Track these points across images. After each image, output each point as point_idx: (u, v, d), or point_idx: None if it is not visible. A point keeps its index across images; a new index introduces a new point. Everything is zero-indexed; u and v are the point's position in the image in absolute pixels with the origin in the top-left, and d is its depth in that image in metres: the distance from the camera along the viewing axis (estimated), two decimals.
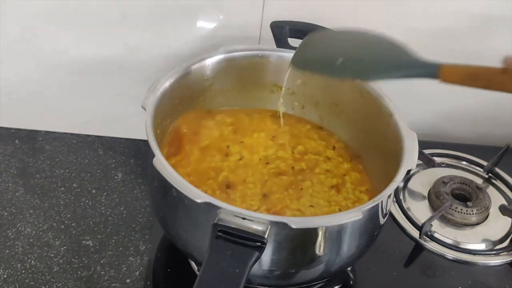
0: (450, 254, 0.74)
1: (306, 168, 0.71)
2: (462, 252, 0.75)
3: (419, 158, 0.71)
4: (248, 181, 0.68)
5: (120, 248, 0.73)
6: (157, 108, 0.63)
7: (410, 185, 0.83)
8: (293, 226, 0.53)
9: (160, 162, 0.57)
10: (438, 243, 0.75)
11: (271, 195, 0.67)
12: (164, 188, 0.59)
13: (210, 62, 0.72)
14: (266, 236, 0.52)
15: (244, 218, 0.53)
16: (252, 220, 0.53)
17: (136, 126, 0.80)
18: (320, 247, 0.58)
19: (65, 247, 0.72)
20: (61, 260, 0.71)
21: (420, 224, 0.76)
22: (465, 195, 0.81)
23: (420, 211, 0.79)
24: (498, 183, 0.85)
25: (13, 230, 0.74)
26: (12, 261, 0.70)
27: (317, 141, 0.76)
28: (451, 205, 0.78)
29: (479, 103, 0.90)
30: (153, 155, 0.57)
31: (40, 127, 0.88)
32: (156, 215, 0.68)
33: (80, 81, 0.83)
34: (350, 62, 0.61)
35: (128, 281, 0.70)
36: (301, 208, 0.66)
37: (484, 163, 0.87)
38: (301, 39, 0.75)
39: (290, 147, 0.74)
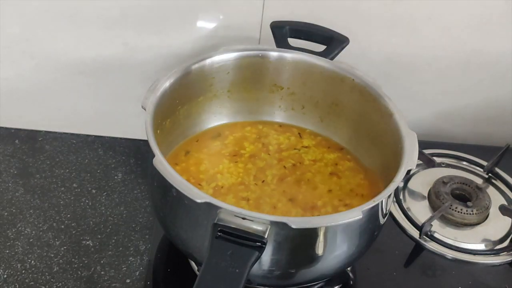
0: (450, 254, 0.74)
1: (296, 163, 0.72)
2: (462, 252, 0.75)
3: (419, 158, 0.71)
4: (265, 196, 0.68)
5: (120, 248, 0.73)
6: (157, 108, 0.63)
7: (410, 185, 0.83)
8: (293, 226, 0.53)
9: (160, 162, 0.57)
10: (438, 243, 0.75)
11: (297, 198, 0.67)
12: (164, 188, 0.59)
13: (210, 62, 0.72)
14: (266, 236, 0.52)
15: (244, 218, 0.53)
16: (252, 220, 0.53)
17: (136, 126, 0.80)
18: (320, 247, 0.58)
19: (65, 247, 0.72)
20: (61, 260, 0.71)
21: (420, 224, 0.76)
22: (465, 195, 0.81)
23: (420, 211, 0.79)
24: (498, 183, 0.85)
25: (13, 230, 0.74)
26: (12, 261, 0.70)
27: (280, 135, 0.76)
28: (451, 205, 0.78)
29: (479, 103, 0.90)
30: (153, 155, 0.57)
31: (40, 127, 0.88)
32: (156, 215, 0.68)
33: (80, 81, 0.83)
34: None
35: (128, 281, 0.70)
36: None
37: (484, 163, 0.87)
38: (301, 39, 0.75)
39: (263, 152, 0.73)
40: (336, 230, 0.58)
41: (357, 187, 0.70)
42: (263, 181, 0.69)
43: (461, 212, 0.77)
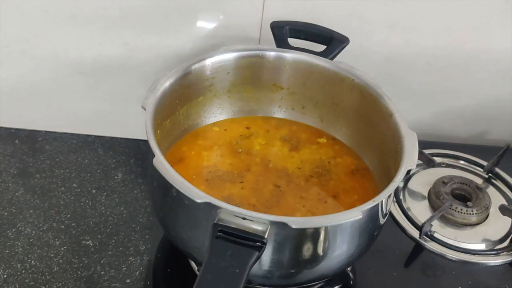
0: (450, 254, 0.74)
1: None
2: (462, 252, 0.75)
3: (419, 158, 0.71)
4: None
5: (120, 248, 0.73)
6: (157, 108, 0.63)
7: (410, 185, 0.83)
8: (293, 226, 0.53)
9: (160, 162, 0.57)
10: (438, 243, 0.75)
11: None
12: (164, 188, 0.59)
13: (210, 62, 0.72)
14: (266, 236, 0.52)
15: (244, 218, 0.53)
16: (252, 220, 0.53)
17: (136, 126, 0.80)
18: (320, 247, 0.58)
19: (65, 247, 0.73)
20: (61, 260, 0.71)
21: (420, 224, 0.76)
22: (465, 195, 0.81)
23: (420, 211, 0.79)
24: (498, 183, 0.85)
25: (13, 230, 0.74)
26: (12, 261, 0.70)
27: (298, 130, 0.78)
28: (451, 205, 0.78)
29: (478, 103, 0.90)
30: (153, 155, 0.57)
31: (40, 127, 0.88)
32: (156, 215, 0.68)
33: (80, 81, 0.83)
34: None
35: (128, 281, 0.70)
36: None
37: (484, 163, 0.87)
38: (301, 39, 0.75)
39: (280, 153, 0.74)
40: (336, 230, 0.58)
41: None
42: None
43: (461, 212, 0.77)
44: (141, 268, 0.71)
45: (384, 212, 0.62)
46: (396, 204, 0.80)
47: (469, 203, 0.78)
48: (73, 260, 0.71)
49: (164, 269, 0.71)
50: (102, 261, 0.71)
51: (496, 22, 0.81)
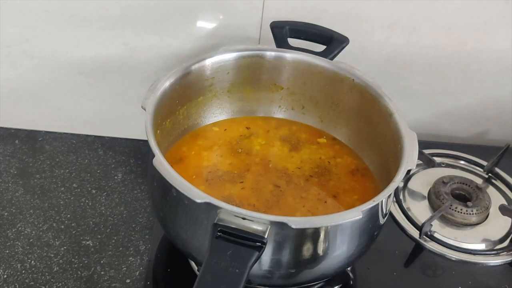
0: (450, 254, 0.74)
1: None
2: (462, 252, 0.75)
3: (419, 158, 0.71)
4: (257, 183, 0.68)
5: (120, 248, 0.73)
6: (157, 108, 0.63)
7: (410, 185, 0.83)
8: (293, 226, 0.53)
9: (160, 162, 0.57)
10: (438, 243, 0.75)
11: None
12: (164, 188, 0.59)
13: (210, 62, 0.72)
14: (266, 236, 0.52)
15: (244, 218, 0.53)
16: (252, 220, 0.53)
17: (136, 126, 0.80)
18: (320, 247, 0.58)
19: (65, 247, 0.73)
20: (61, 260, 0.71)
21: (420, 224, 0.76)
22: (465, 195, 0.81)
23: (420, 211, 0.79)
24: (498, 183, 0.85)
25: (13, 230, 0.74)
26: (12, 261, 0.70)
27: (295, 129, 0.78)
28: (451, 205, 0.78)
29: (478, 103, 0.90)
30: (153, 155, 0.57)
31: (40, 127, 0.88)
32: (156, 215, 0.68)
33: (80, 81, 0.83)
34: None
35: (128, 281, 0.70)
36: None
37: (484, 163, 0.87)
38: (301, 39, 0.75)
39: (278, 153, 0.74)
40: (336, 230, 0.58)
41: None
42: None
43: (461, 212, 0.77)
44: (141, 268, 0.71)
45: (384, 212, 0.62)
46: (396, 204, 0.80)
47: (469, 203, 0.78)
48: (73, 260, 0.71)
49: (164, 269, 0.71)
50: (102, 261, 0.71)
51: (496, 22, 0.81)
